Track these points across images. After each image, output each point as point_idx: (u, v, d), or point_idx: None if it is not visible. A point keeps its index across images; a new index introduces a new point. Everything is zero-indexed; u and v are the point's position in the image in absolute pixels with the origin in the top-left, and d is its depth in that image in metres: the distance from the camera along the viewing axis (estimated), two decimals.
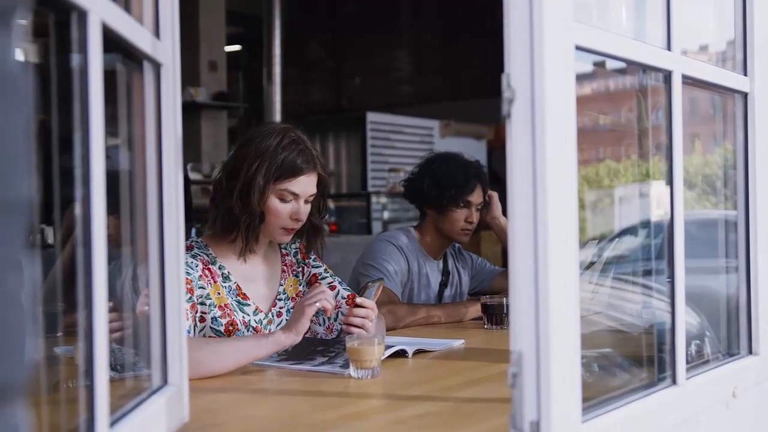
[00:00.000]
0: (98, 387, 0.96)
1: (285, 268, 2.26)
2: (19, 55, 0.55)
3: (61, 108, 0.98)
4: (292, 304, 2.22)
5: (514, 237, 1.12)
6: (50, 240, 2.17)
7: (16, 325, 0.51)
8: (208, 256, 2.11)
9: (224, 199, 2.09)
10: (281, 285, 2.23)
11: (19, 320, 0.51)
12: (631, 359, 1.65)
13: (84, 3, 0.94)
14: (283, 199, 2.08)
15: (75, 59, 0.97)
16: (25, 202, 0.52)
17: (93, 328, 0.96)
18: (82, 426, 0.96)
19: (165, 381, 1.31)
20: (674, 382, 1.44)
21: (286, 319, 2.17)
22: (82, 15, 0.95)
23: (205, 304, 2.04)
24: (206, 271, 2.08)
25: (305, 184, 2.09)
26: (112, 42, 1.06)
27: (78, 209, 0.96)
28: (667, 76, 1.44)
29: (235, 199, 2.05)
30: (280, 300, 2.22)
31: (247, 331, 2.09)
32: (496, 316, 2.56)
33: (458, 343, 2.26)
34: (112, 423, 1.03)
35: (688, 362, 1.47)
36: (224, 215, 2.10)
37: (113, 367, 1.17)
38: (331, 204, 7.62)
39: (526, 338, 1.11)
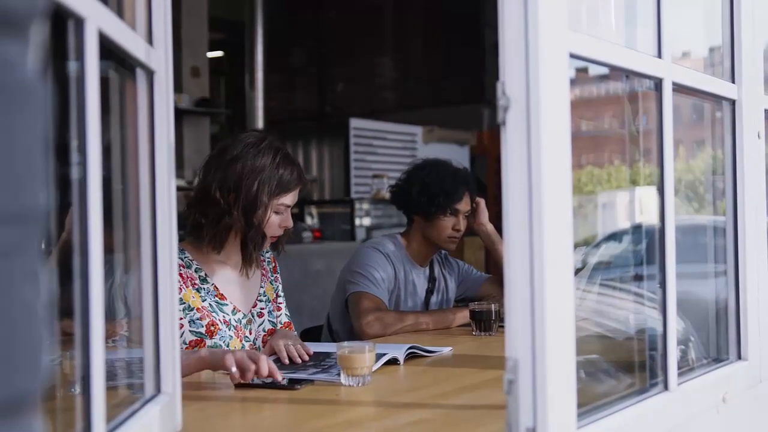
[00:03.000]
0: (95, 396, 0.96)
1: (264, 272, 2.34)
2: (35, 65, 0.55)
3: (55, 114, 0.97)
4: (272, 306, 2.32)
5: (509, 243, 1.12)
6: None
7: (33, 335, 0.50)
8: (182, 259, 2.16)
9: (220, 214, 2.12)
10: (261, 287, 2.31)
11: (35, 331, 0.51)
12: (621, 365, 1.65)
13: (81, 10, 0.93)
14: (278, 212, 2.19)
15: (71, 66, 0.96)
16: (42, 212, 0.52)
17: (90, 337, 0.95)
18: None
19: (158, 390, 1.30)
20: (666, 387, 1.44)
21: (268, 320, 2.28)
22: (79, 22, 0.94)
23: (179, 309, 2.06)
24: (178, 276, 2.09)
25: (296, 195, 2.23)
26: (106, 49, 1.05)
27: (74, 216, 0.96)
28: (658, 83, 1.45)
29: (239, 216, 2.12)
30: (261, 301, 2.29)
31: (229, 329, 2.15)
32: (485, 322, 2.56)
33: (447, 350, 2.26)
34: None
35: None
36: (220, 228, 2.13)
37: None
38: (315, 210, 7.60)
39: (521, 345, 1.11)
